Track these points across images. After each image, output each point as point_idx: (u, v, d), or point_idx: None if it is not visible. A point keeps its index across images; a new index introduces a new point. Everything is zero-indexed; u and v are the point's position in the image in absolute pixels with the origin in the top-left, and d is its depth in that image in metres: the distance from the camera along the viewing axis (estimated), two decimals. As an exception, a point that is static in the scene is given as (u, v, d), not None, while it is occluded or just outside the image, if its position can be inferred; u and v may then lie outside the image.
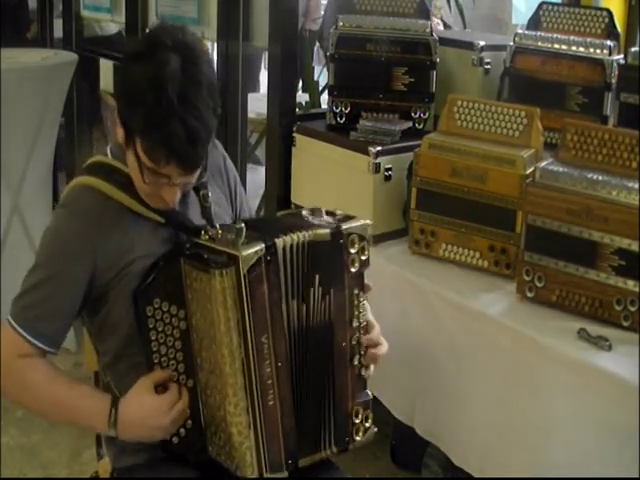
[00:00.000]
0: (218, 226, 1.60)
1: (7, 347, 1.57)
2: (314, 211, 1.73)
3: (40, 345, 1.58)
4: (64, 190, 1.68)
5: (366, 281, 1.67)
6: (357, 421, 1.66)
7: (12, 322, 1.58)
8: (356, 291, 1.64)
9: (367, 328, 1.68)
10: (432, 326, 2.05)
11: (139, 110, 1.46)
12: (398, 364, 2.11)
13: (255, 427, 1.52)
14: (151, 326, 1.58)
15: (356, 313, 1.65)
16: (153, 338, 1.59)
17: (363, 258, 1.65)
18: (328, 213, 1.72)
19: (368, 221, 1.68)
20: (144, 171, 1.52)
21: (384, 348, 1.71)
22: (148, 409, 1.56)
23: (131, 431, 1.57)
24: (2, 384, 1.58)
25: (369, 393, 1.70)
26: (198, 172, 1.58)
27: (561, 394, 1.73)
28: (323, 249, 1.59)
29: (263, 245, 1.51)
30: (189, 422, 1.59)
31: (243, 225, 1.52)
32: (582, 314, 1.85)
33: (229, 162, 1.85)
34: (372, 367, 1.70)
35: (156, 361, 1.59)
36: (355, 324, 1.65)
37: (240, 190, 1.86)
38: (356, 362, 1.66)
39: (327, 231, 1.61)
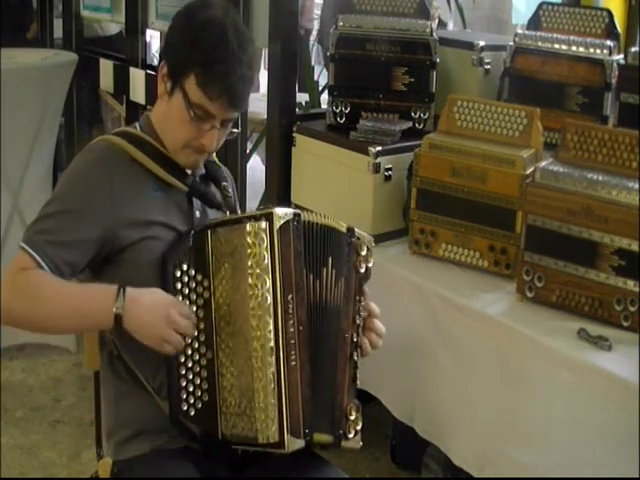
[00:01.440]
0: (239, 212, 1.70)
1: (14, 263, 1.60)
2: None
3: (44, 266, 1.58)
4: (89, 143, 1.73)
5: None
6: (351, 418, 1.67)
7: (23, 244, 1.61)
8: (358, 295, 1.69)
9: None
10: (432, 326, 2.05)
11: (201, 47, 1.61)
12: (398, 364, 2.11)
13: (279, 384, 1.53)
14: (178, 288, 1.61)
15: (357, 313, 1.68)
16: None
17: (368, 265, 1.72)
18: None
19: (372, 237, 1.77)
20: (192, 110, 1.61)
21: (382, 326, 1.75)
22: (160, 296, 1.58)
23: (139, 310, 1.54)
24: (8, 298, 1.57)
25: (359, 401, 1.71)
26: (236, 117, 1.70)
27: (561, 394, 1.73)
28: (338, 238, 1.67)
29: (292, 211, 1.59)
30: (205, 395, 1.60)
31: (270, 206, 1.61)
32: (582, 314, 1.85)
33: (232, 178, 1.91)
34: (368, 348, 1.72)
35: None
36: (357, 322, 1.68)
37: (236, 199, 1.89)
38: (355, 358, 1.68)
39: (343, 224, 1.69)
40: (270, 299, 1.53)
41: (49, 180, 3.62)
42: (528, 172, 1.98)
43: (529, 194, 1.90)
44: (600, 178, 1.82)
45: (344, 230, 1.69)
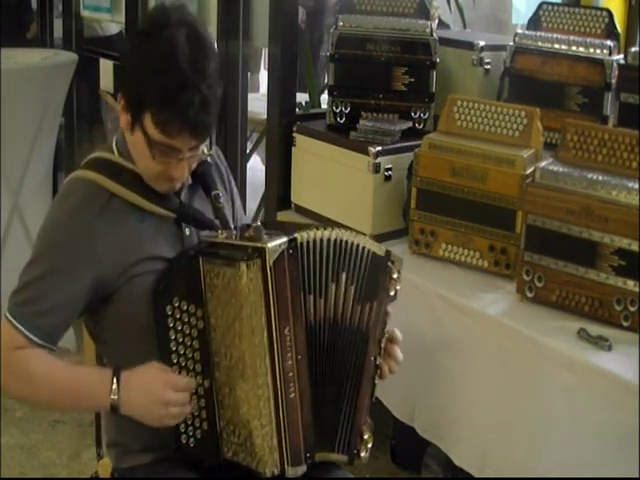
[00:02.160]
0: (233, 227, 1.63)
1: (5, 342, 1.56)
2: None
3: (35, 339, 1.55)
4: (63, 183, 1.66)
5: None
6: (365, 437, 1.67)
7: (9, 317, 1.56)
8: (386, 318, 1.68)
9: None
10: (432, 326, 2.05)
11: (153, 83, 1.48)
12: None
13: (277, 419, 1.52)
14: (170, 325, 1.58)
15: (383, 336, 1.67)
16: (172, 337, 1.58)
17: (398, 288, 1.70)
18: None
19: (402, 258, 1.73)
20: (154, 147, 1.53)
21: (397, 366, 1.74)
22: (153, 377, 1.54)
23: (133, 400, 1.53)
24: (4, 377, 1.56)
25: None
26: (204, 146, 1.61)
27: (561, 394, 1.73)
28: (376, 262, 1.65)
29: (286, 239, 1.54)
30: (205, 424, 1.59)
31: (260, 224, 1.56)
32: (582, 314, 1.85)
33: (224, 161, 1.86)
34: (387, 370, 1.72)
35: (174, 361, 1.58)
36: (382, 345, 1.67)
37: (235, 191, 1.86)
38: (376, 381, 1.67)
39: (382, 247, 1.67)
40: (265, 336, 1.51)
41: (49, 180, 3.62)
42: (528, 172, 1.98)
43: (529, 194, 1.90)
44: (600, 178, 1.82)
45: (383, 253, 1.66)
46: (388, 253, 1.67)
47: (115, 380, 1.53)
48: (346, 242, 1.62)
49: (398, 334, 1.73)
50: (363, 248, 1.64)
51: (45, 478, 2.75)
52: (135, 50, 1.55)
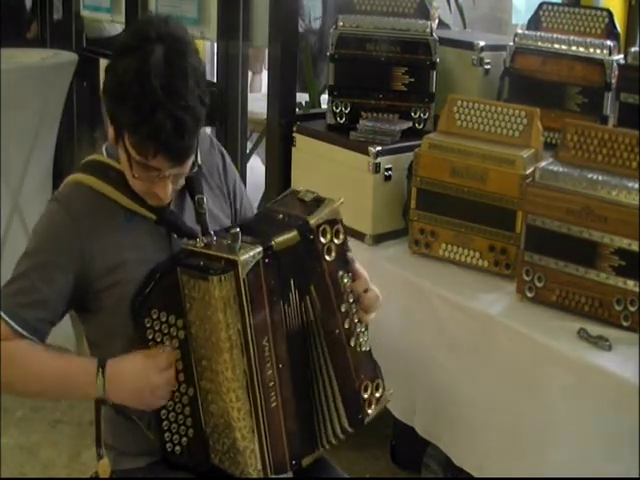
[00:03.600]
0: (212, 232, 1.60)
1: None
2: (284, 200, 1.73)
3: (21, 331, 1.56)
4: (60, 186, 1.68)
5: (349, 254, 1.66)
6: (366, 395, 1.66)
7: None
8: (340, 273, 1.63)
9: (354, 277, 1.67)
10: (432, 326, 2.05)
11: (126, 104, 1.46)
12: (398, 364, 2.11)
13: (259, 430, 1.52)
14: (150, 337, 1.57)
15: (345, 297, 1.64)
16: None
17: (337, 242, 1.63)
18: (298, 200, 1.70)
19: (338, 201, 1.66)
20: (134, 165, 1.52)
21: (374, 293, 1.69)
22: (139, 366, 1.55)
23: (119, 386, 1.54)
24: None
25: (375, 361, 1.69)
26: (189, 163, 1.57)
27: (561, 394, 1.73)
28: (295, 251, 1.59)
29: (261, 248, 1.52)
30: (190, 431, 1.58)
31: (238, 230, 1.51)
32: (582, 314, 1.85)
33: (229, 161, 1.84)
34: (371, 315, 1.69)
35: None
36: (344, 309, 1.64)
37: (240, 190, 1.84)
38: (353, 342, 1.65)
39: (295, 233, 1.59)
40: (242, 349, 1.50)
41: (49, 180, 3.62)
42: (528, 172, 1.98)
43: (529, 194, 1.90)
44: (600, 178, 1.82)
45: (298, 238, 1.59)
46: (304, 227, 1.59)
47: (100, 372, 1.53)
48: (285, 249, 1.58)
49: (360, 283, 1.66)
50: (286, 248, 1.58)
51: (45, 478, 2.75)
52: (113, 66, 1.51)
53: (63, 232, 1.59)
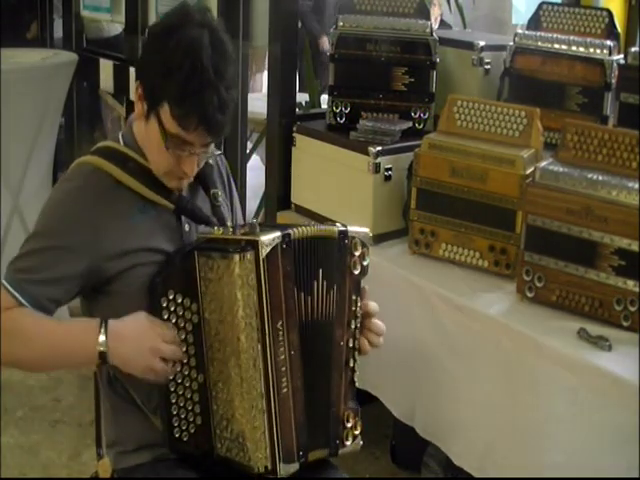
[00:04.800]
0: (229, 224, 1.64)
1: None
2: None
3: (25, 303, 1.56)
4: (69, 168, 1.68)
5: (362, 284, 1.68)
6: (348, 425, 1.66)
7: (3, 282, 1.57)
8: (354, 296, 1.66)
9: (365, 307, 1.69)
10: (432, 326, 2.05)
11: (175, 77, 1.51)
12: (398, 364, 2.11)
13: (269, 414, 1.51)
14: (165, 317, 1.59)
15: (355, 315, 1.66)
16: None
17: (364, 264, 1.67)
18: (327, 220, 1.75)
19: (368, 230, 1.71)
20: (168, 139, 1.56)
21: (381, 324, 1.71)
22: (143, 326, 1.56)
23: (122, 345, 1.53)
24: None
25: (358, 404, 1.69)
26: (213, 146, 1.64)
27: (561, 394, 1.73)
28: (329, 245, 1.62)
29: (280, 233, 1.54)
30: (198, 419, 1.59)
31: (256, 221, 1.57)
32: (582, 314, 1.85)
33: (227, 170, 1.87)
34: (376, 340, 1.70)
35: None
36: (352, 326, 1.65)
37: (235, 197, 1.87)
38: (351, 364, 1.65)
39: (335, 229, 1.64)
40: (258, 329, 1.50)
41: (49, 180, 3.62)
42: (528, 172, 1.98)
43: (529, 194, 1.90)
44: (600, 178, 1.82)
45: (335, 235, 1.63)
46: (343, 232, 1.64)
47: (103, 328, 1.53)
48: (321, 237, 1.62)
49: (373, 306, 1.71)
50: (317, 238, 1.62)
51: (45, 478, 2.75)
52: (156, 44, 1.57)
53: (77, 216, 1.59)
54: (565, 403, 1.73)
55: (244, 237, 1.54)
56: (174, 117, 1.54)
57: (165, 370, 1.56)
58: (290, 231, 1.56)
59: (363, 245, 1.68)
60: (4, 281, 1.58)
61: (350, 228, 1.66)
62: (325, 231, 1.63)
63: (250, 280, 1.50)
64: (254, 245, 1.50)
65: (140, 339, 1.55)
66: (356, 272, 1.66)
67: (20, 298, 1.56)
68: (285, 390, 1.53)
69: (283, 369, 1.53)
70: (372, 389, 2.18)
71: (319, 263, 1.60)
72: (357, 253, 1.66)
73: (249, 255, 1.50)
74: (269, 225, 1.63)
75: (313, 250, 1.60)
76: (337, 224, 1.69)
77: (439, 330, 2.03)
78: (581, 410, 1.70)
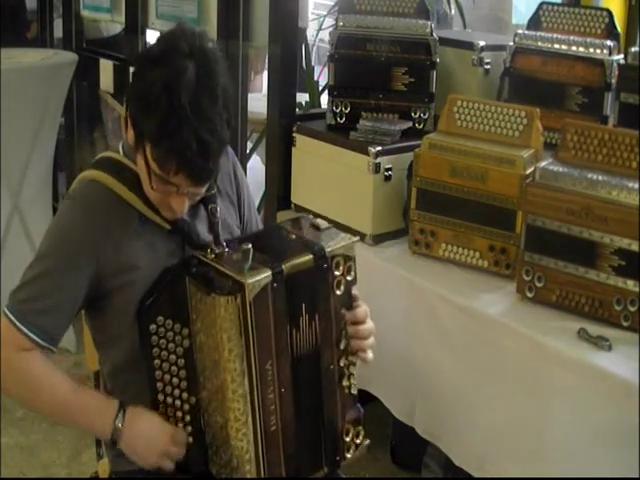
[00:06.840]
0: (224, 244, 1.58)
1: (5, 340, 1.55)
2: (298, 223, 1.71)
3: (36, 339, 1.55)
4: (73, 182, 1.65)
5: (354, 291, 1.65)
6: (348, 439, 1.66)
7: (9, 314, 1.55)
8: (343, 311, 1.63)
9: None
10: (432, 326, 2.05)
11: (152, 116, 1.42)
12: (398, 364, 2.11)
13: (257, 452, 1.51)
14: (154, 343, 1.56)
15: (344, 334, 1.63)
16: (155, 355, 1.57)
17: (349, 279, 1.62)
18: (312, 226, 1.68)
19: (355, 238, 1.65)
20: (152, 177, 1.50)
21: (369, 325, 1.67)
22: (157, 427, 1.57)
23: (134, 441, 1.56)
24: (6, 379, 1.55)
25: (360, 407, 1.69)
26: (208, 184, 1.55)
27: (561, 394, 1.73)
28: (307, 276, 1.55)
29: (270, 272, 1.48)
30: (191, 439, 1.58)
31: (250, 246, 1.48)
32: (582, 314, 1.85)
33: (240, 169, 1.82)
34: (368, 354, 1.67)
35: (158, 378, 1.57)
36: (342, 345, 1.63)
37: (249, 199, 1.83)
38: (345, 383, 1.65)
39: (310, 257, 1.55)
40: (245, 373, 1.48)
41: (49, 180, 3.62)
42: (528, 172, 1.98)
43: (529, 194, 1.90)
44: (600, 178, 1.82)
45: (312, 263, 1.54)
46: (320, 256, 1.55)
47: (121, 416, 1.54)
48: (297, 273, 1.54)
49: (360, 312, 1.64)
50: (299, 272, 1.54)
51: (45, 478, 2.75)
52: (141, 74, 1.47)
53: (78, 234, 1.57)
54: (565, 403, 1.73)
55: (232, 274, 1.47)
56: (154, 159, 1.45)
57: (170, 466, 1.58)
58: (283, 267, 1.50)
59: (346, 259, 1.60)
60: (10, 315, 1.55)
61: (329, 246, 1.58)
62: (300, 265, 1.53)
63: (236, 323, 1.46)
64: (241, 287, 1.44)
65: (153, 441, 1.56)
66: (339, 292, 1.61)
67: (32, 335, 1.54)
68: (274, 428, 1.53)
69: (272, 407, 1.52)
70: (372, 389, 2.18)
71: (302, 295, 1.55)
72: (338, 272, 1.60)
73: (236, 299, 1.45)
74: (262, 247, 1.53)
75: (296, 282, 1.54)
76: (321, 224, 1.65)
77: (439, 330, 2.02)
78: (581, 410, 1.70)
